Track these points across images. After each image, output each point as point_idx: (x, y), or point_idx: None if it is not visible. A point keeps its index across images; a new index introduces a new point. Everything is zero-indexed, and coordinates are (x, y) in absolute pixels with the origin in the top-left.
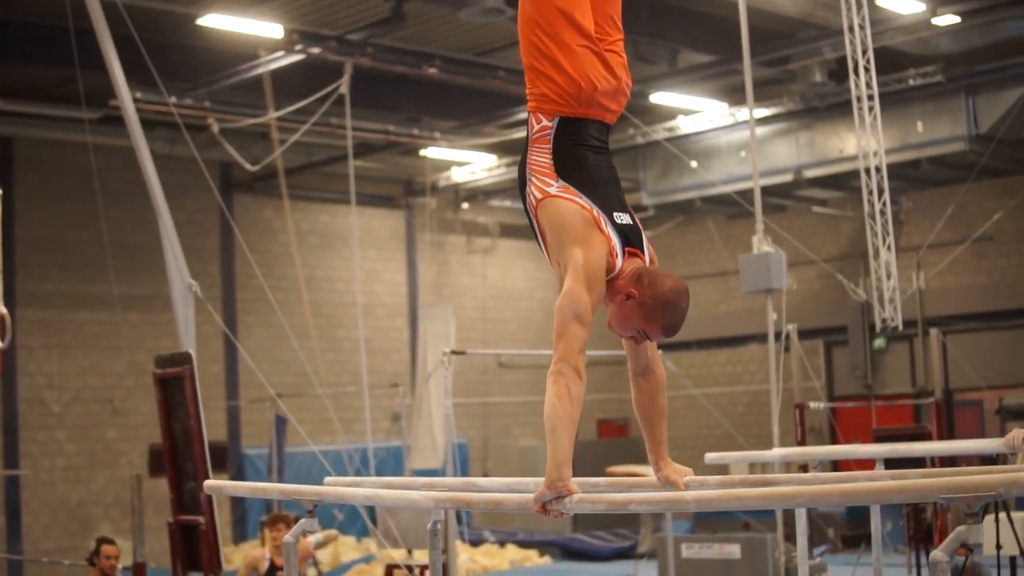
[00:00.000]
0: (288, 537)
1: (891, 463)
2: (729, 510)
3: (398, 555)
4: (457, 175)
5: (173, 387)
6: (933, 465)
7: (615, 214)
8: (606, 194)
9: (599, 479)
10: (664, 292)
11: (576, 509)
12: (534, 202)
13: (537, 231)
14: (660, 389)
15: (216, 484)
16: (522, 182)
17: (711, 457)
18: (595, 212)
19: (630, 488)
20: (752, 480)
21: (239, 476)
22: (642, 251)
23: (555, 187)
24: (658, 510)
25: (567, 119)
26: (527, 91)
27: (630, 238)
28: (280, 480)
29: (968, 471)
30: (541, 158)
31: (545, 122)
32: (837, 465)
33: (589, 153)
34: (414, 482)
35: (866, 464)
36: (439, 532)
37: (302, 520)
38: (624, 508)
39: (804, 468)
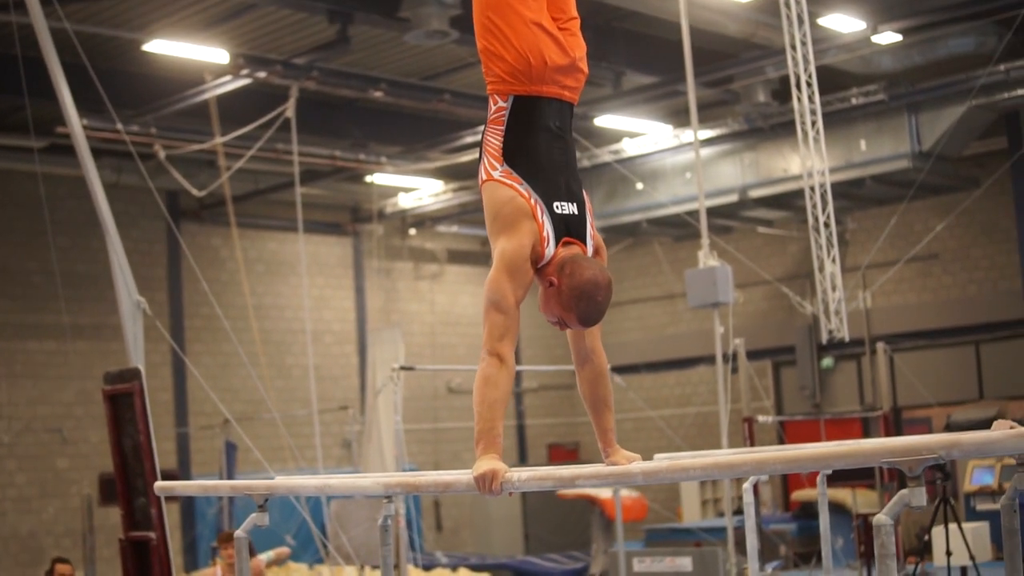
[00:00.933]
0: (239, 532)
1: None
2: (676, 480)
3: (350, 572)
4: (404, 201)
5: (122, 403)
6: (880, 475)
7: (557, 203)
8: (552, 182)
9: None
10: (582, 283)
11: (525, 487)
12: (479, 182)
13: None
14: (600, 377)
15: (166, 485)
16: (480, 154)
17: (659, 457)
18: (532, 200)
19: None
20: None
21: (189, 504)
22: (583, 241)
23: (499, 171)
24: (607, 484)
25: (521, 98)
26: (485, 76)
27: (571, 227)
28: (231, 509)
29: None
30: (494, 140)
31: (500, 103)
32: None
33: (542, 137)
34: (363, 476)
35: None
36: (390, 527)
37: (252, 515)
38: (572, 484)
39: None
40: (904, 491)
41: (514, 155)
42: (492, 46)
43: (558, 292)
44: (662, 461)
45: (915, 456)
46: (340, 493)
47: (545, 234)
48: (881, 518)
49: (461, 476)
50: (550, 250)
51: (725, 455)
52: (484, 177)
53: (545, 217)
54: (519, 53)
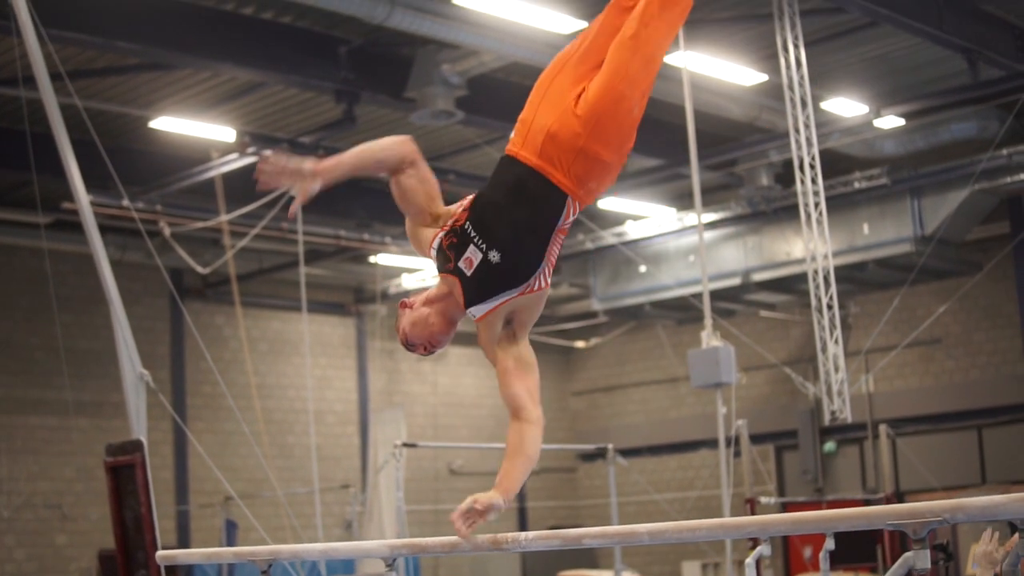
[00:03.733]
0: None
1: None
2: (682, 541)
3: None
4: (408, 282)
5: (124, 476)
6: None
7: (483, 243)
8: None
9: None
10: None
11: (533, 546)
12: (539, 287)
13: (494, 305)
14: (529, 434)
15: (168, 554)
16: (535, 265)
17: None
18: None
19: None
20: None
21: None
22: (478, 293)
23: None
24: (612, 544)
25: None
26: (580, 186)
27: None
28: None
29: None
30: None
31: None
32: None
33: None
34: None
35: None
36: None
37: None
38: (579, 543)
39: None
40: (908, 554)
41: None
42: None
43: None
44: (668, 522)
45: (919, 519)
46: (344, 556)
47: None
48: None
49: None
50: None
51: (731, 519)
52: (543, 285)
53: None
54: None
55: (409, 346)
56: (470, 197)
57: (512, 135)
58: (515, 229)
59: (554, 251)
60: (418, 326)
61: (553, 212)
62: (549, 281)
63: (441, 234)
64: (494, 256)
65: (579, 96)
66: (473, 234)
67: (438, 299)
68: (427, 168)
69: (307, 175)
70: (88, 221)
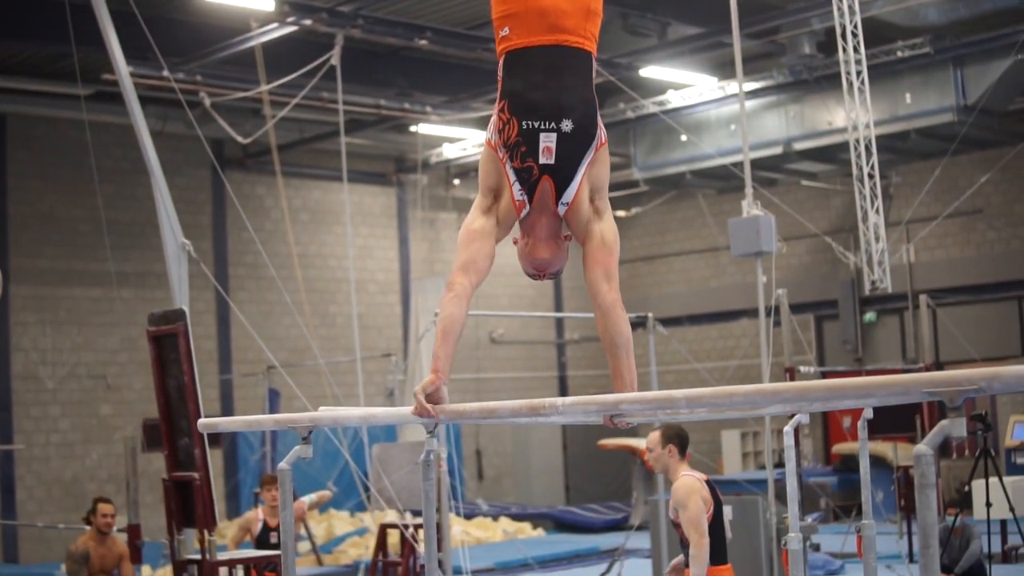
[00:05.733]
0: (283, 464)
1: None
2: (720, 408)
3: (392, 516)
4: (448, 151)
5: (167, 345)
6: (922, 428)
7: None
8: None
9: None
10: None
11: (569, 411)
12: (603, 139)
13: (582, 174)
14: (609, 320)
15: (210, 421)
16: (592, 120)
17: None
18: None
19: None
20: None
21: (232, 451)
22: (582, 152)
23: (491, 136)
24: (649, 408)
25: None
26: (589, 40)
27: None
28: (274, 455)
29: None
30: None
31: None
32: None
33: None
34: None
35: (856, 412)
36: (432, 463)
37: (296, 447)
38: (615, 408)
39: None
40: (944, 422)
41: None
42: (598, 4)
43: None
44: (705, 388)
45: (956, 387)
46: (384, 422)
47: (516, 200)
48: (922, 447)
49: (506, 403)
50: (519, 201)
51: (767, 385)
52: (604, 139)
53: (514, 180)
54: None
55: (531, 276)
56: (496, 116)
57: (506, 31)
58: (565, 91)
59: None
60: (524, 259)
61: (584, 63)
62: (605, 136)
63: (508, 162)
64: (566, 125)
65: None
66: (534, 125)
67: (528, 226)
68: (473, 230)
69: (441, 397)
70: (128, 92)
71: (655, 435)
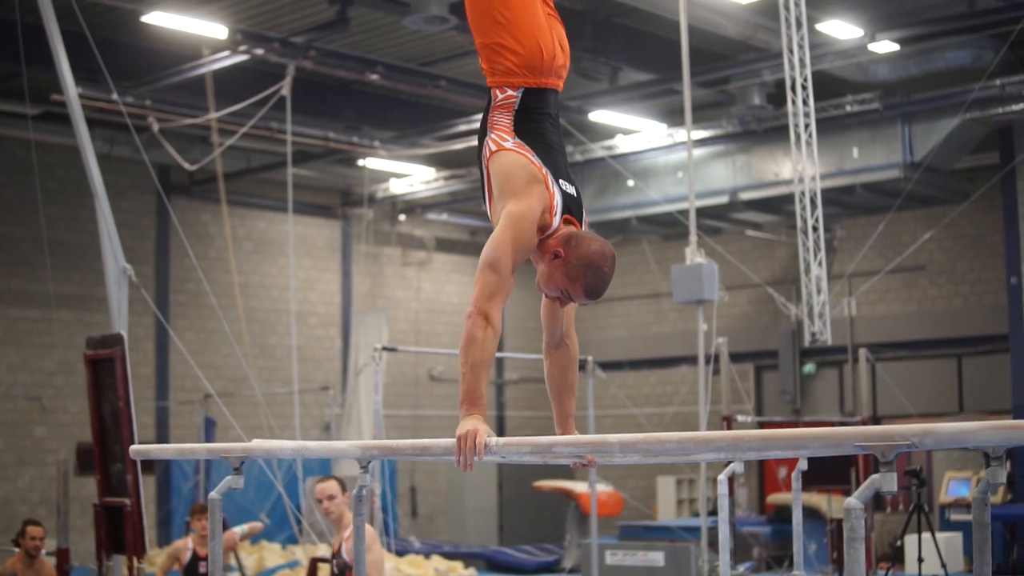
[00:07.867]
0: (213, 494)
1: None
2: (653, 453)
3: (324, 550)
4: (395, 187)
5: (104, 369)
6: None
7: (561, 180)
8: (556, 161)
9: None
10: (589, 254)
11: (504, 451)
12: (488, 153)
13: (485, 184)
14: (571, 363)
15: (142, 448)
16: (481, 137)
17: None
18: (544, 170)
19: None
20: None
21: (165, 479)
22: (580, 222)
23: (511, 143)
24: (584, 452)
25: (531, 90)
26: (486, 69)
27: (571, 207)
28: (207, 484)
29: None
30: (502, 119)
31: (510, 92)
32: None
33: (547, 122)
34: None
35: (791, 463)
36: (364, 498)
37: (227, 478)
38: (548, 451)
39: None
40: (876, 476)
41: (525, 133)
42: (503, 40)
43: (564, 264)
44: (640, 434)
45: (888, 442)
46: (317, 455)
47: (555, 203)
48: (852, 501)
49: (439, 441)
50: (556, 220)
51: (701, 433)
52: (494, 148)
53: (555, 187)
54: (532, 47)
55: (552, 297)
56: (533, 163)
57: (524, 74)
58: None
59: None
60: (545, 282)
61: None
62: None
63: (557, 216)
64: (569, 188)
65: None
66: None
67: (543, 251)
68: (510, 264)
69: (482, 431)
70: (76, 113)
71: (334, 483)
